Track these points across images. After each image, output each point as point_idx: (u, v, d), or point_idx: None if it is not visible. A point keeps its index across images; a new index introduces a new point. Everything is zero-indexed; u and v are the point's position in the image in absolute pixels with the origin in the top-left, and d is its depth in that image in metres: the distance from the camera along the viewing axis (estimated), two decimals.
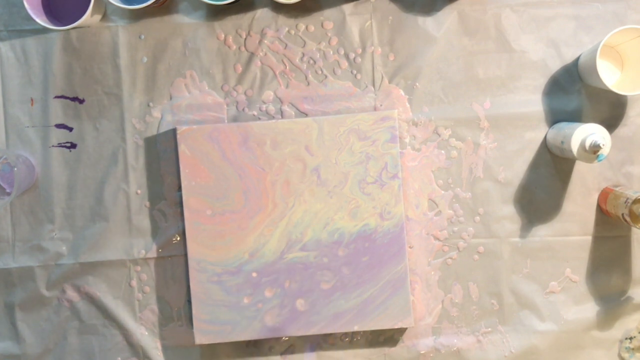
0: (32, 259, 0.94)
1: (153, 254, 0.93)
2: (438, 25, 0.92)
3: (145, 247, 0.93)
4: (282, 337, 0.93)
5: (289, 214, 0.90)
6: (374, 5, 0.92)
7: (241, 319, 0.90)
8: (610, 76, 0.91)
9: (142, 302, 0.94)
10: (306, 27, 0.93)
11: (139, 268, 0.93)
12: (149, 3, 0.87)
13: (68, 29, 0.90)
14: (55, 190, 0.93)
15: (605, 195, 0.90)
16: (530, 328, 0.92)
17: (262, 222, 0.90)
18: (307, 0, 0.91)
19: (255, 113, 0.93)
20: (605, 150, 0.83)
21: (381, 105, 0.92)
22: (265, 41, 0.93)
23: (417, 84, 0.92)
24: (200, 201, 0.90)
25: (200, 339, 0.90)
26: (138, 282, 0.94)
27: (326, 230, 0.90)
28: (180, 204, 0.93)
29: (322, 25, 0.93)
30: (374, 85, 0.93)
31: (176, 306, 0.93)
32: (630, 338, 0.92)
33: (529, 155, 0.92)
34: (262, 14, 0.93)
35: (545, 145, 0.92)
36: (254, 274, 0.90)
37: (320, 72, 0.93)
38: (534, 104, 0.92)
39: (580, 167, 0.92)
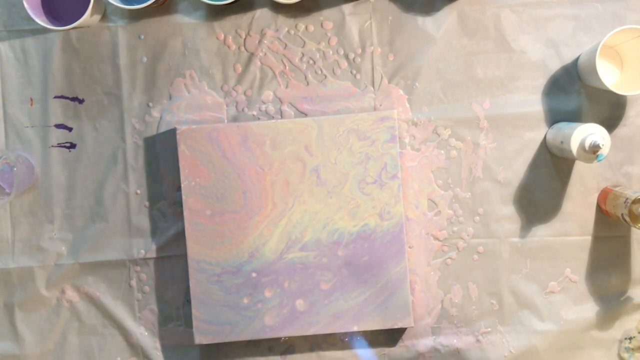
0: (32, 259, 0.94)
1: (153, 254, 0.93)
2: (437, 26, 0.92)
3: (144, 247, 0.93)
4: (281, 337, 0.93)
5: (289, 214, 0.90)
6: (373, 6, 0.92)
7: (241, 319, 0.90)
8: (610, 76, 0.91)
9: (142, 302, 0.94)
10: (306, 27, 0.93)
11: (138, 268, 0.93)
12: (148, 3, 0.87)
13: (68, 29, 0.90)
14: (54, 190, 0.93)
15: (604, 195, 0.90)
16: (530, 328, 0.92)
17: (262, 222, 0.90)
18: (306, 0, 0.91)
19: (255, 113, 0.93)
20: (604, 150, 0.83)
21: (381, 105, 0.92)
22: (265, 41, 0.93)
23: (417, 84, 0.92)
24: (200, 201, 0.90)
25: (200, 339, 0.90)
26: (138, 282, 0.94)
27: (326, 231, 0.90)
28: (179, 204, 0.93)
29: (321, 25, 0.93)
30: (373, 85, 0.93)
31: (176, 306, 0.93)
32: (630, 338, 0.92)
33: (528, 155, 0.92)
34: (262, 14, 0.93)
35: (544, 146, 0.92)
36: (254, 274, 0.90)
37: (319, 72, 0.93)
38: (533, 104, 0.92)
39: (579, 167, 0.92)
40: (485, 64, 0.92)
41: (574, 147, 0.83)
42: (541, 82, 0.92)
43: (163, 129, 0.93)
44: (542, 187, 0.92)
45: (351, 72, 0.93)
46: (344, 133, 0.90)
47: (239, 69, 0.93)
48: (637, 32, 0.84)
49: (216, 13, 0.93)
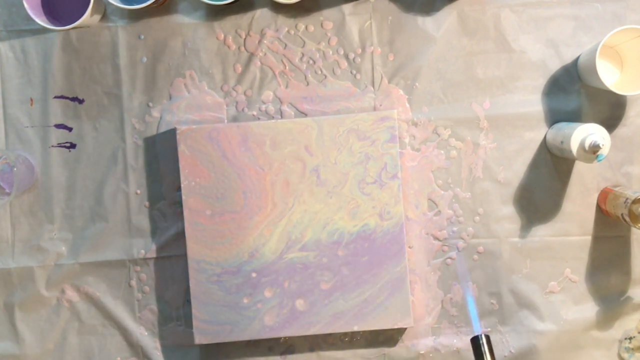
0: (32, 259, 0.94)
1: (152, 254, 0.93)
2: (437, 26, 0.92)
3: (144, 247, 0.93)
4: (281, 337, 0.93)
5: (289, 214, 0.90)
6: (373, 6, 0.92)
7: (241, 319, 0.90)
8: (610, 76, 0.91)
9: (142, 302, 0.94)
10: (306, 27, 0.93)
11: (138, 268, 0.93)
12: (148, 3, 0.87)
13: (68, 29, 0.90)
14: (54, 190, 0.93)
15: (604, 195, 0.90)
16: (530, 328, 0.92)
17: (262, 222, 0.90)
18: (306, 0, 0.91)
19: (255, 113, 0.93)
20: (604, 150, 0.83)
21: (381, 105, 0.92)
22: (265, 41, 0.93)
23: (417, 84, 0.92)
24: (200, 201, 0.90)
25: (200, 339, 0.90)
26: (137, 282, 0.94)
27: (326, 231, 0.90)
28: (179, 204, 0.93)
29: (321, 25, 0.93)
30: (373, 85, 0.93)
31: (176, 306, 0.93)
32: (630, 338, 0.92)
33: (528, 155, 0.92)
34: (262, 14, 0.93)
35: (544, 146, 0.92)
36: (254, 274, 0.90)
37: (319, 72, 0.93)
38: (533, 104, 0.92)
39: (579, 167, 0.92)
40: (485, 64, 0.92)
41: (574, 147, 0.83)
42: (541, 82, 0.92)
43: (163, 129, 0.93)
44: (542, 187, 0.92)
45: (351, 72, 0.93)
46: (344, 133, 0.90)
47: (239, 69, 0.93)
48: (637, 32, 0.84)
49: (216, 13, 0.93)
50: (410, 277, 0.92)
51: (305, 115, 0.93)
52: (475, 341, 0.76)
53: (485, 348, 0.76)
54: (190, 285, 0.90)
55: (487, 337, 0.76)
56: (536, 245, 0.92)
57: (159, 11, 0.93)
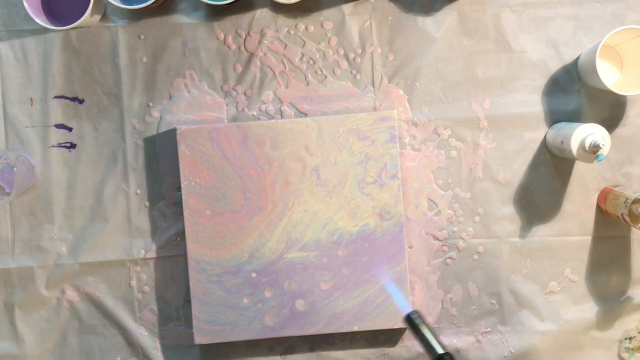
0: (32, 259, 0.94)
1: (153, 254, 0.93)
2: (437, 26, 0.92)
3: (144, 247, 0.93)
4: (281, 337, 0.93)
5: (289, 214, 0.90)
6: (373, 6, 0.92)
7: (241, 319, 0.90)
8: (610, 76, 0.91)
9: (142, 302, 0.94)
10: (306, 27, 0.93)
11: (138, 268, 0.93)
12: (148, 3, 0.87)
13: (67, 29, 0.90)
14: (54, 190, 0.93)
15: (604, 195, 0.90)
16: (530, 328, 0.92)
17: (262, 222, 0.90)
18: (306, 0, 0.91)
19: (255, 113, 0.93)
20: (604, 150, 0.83)
21: (381, 105, 0.92)
22: (265, 41, 0.93)
23: (417, 84, 0.92)
24: (200, 201, 0.90)
25: (200, 339, 0.90)
26: (137, 282, 0.94)
27: (326, 231, 0.90)
28: (179, 204, 0.93)
29: (321, 26, 0.93)
30: (373, 85, 0.93)
31: (176, 306, 0.93)
32: (630, 338, 0.92)
33: (528, 155, 0.92)
34: (262, 14, 0.93)
35: (544, 146, 0.92)
36: (254, 274, 0.90)
37: (319, 72, 0.93)
38: (533, 104, 0.92)
39: (579, 167, 0.92)
40: (485, 64, 0.92)
41: (574, 147, 0.83)
42: (541, 82, 0.92)
43: (163, 129, 0.93)
44: (542, 187, 0.92)
45: (351, 72, 0.93)
46: (343, 133, 0.90)
47: (239, 69, 0.93)
48: (637, 32, 0.84)
49: (216, 13, 0.93)
50: (410, 277, 0.92)
51: (305, 115, 0.93)
52: (409, 319, 0.77)
53: (419, 321, 0.76)
54: (190, 285, 0.90)
55: (418, 312, 0.77)
56: (536, 245, 0.92)
57: (159, 11, 0.93)
